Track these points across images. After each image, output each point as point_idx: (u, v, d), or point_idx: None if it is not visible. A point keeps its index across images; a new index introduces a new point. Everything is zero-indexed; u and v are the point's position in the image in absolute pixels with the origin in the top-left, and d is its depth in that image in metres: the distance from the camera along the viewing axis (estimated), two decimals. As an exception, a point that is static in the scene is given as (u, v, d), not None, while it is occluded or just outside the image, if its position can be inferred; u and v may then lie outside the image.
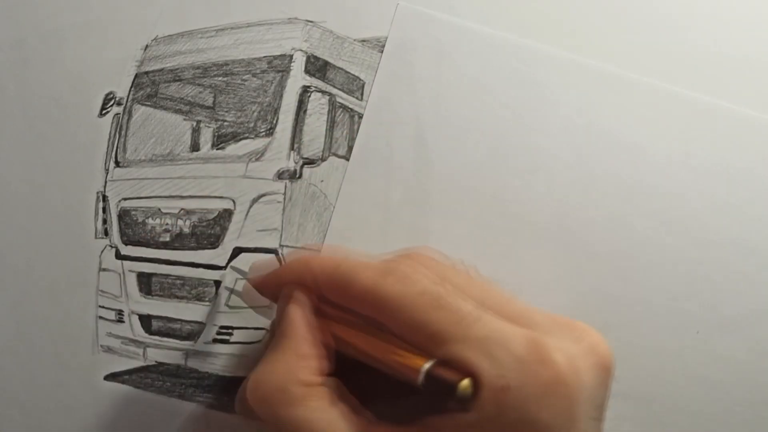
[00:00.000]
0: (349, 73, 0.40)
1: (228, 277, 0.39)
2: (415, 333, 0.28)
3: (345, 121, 0.40)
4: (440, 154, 0.38)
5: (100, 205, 0.42)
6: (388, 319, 0.28)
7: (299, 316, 0.31)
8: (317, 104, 0.39)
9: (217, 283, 0.39)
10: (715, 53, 0.37)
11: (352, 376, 0.30)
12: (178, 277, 0.40)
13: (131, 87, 0.43)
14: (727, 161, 0.36)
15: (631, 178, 0.37)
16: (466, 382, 0.26)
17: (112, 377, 0.41)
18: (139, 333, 0.41)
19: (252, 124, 0.39)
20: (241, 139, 0.40)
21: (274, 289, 0.33)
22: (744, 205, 0.36)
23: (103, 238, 0.42)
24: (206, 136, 0.41)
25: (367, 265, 0.30)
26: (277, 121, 0.39)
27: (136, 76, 0.43)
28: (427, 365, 0.27)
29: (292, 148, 0.38)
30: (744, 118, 0.37)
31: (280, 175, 0.38)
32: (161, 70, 0.42)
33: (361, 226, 0.38)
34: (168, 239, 0.40)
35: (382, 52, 0.40)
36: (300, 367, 0.29)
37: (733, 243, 0.36)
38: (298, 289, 0.32)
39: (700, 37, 0.38)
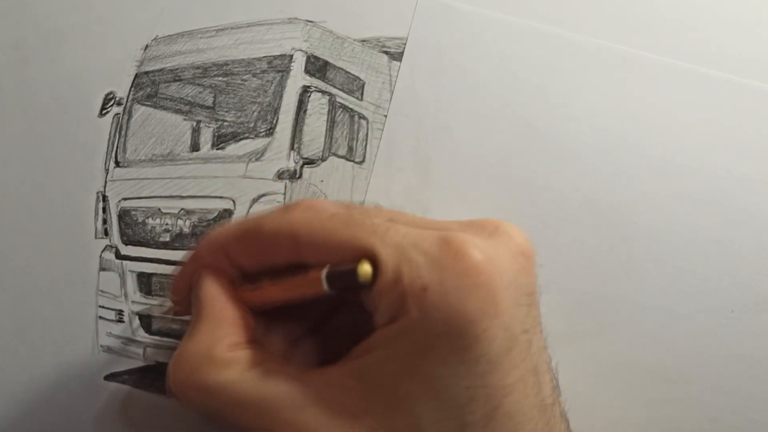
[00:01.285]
0: (349, 73, 0.40)
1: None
2: (329, 254, 0.27)
3: (345, 121, 0.40)
4: (468, 144, 0.38)
5: (100, 205, 0.42)
6: (305, 252, 0.28)
7: (212, 288, 0.30)
8: (317, 104, 0.39)
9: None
10: (743, 35, 0.38)
11: (272, 342, 0.31)
12: (178, 277, 0.40)
13: (131, 87, 0.43)
14: (755, 138, 0.36)
15: (661, 158, 0.37)
16: (365, 266, 0.26)
17: (112, 377, 0.41)
18: (139, 333, 0.41)
19: (252, 124, 0.39)
20: (241, 139, 0.40)
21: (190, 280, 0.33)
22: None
23: (103, 238, 0.42)
24: (206, 136, 0.41)
25: (269, 212, 0.30)
26: (277, 121, 0.39)
27: (136, 76, 0.43)
28: (325, 270, 0.27)
29: (292, 148, 0.38)
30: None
31: (280, 175, 0.38)
32: (161, 70, 0.42)
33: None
34: (168, 239, 0.40)
35: (382, 52, 0.40)
36: (222, 333, 0.29)
37: (764, 220, 0.36)
38: (206, 269, 0.31)
39: (727, 19, 0.38)
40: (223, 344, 0.29)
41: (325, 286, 0.27)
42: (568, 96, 0.38)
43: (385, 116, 0.39)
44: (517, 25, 0.38)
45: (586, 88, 0.38)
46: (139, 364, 0.41)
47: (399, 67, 0.40)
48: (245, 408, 0.27)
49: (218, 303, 0.30)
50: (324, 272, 0.27)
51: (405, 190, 0.37)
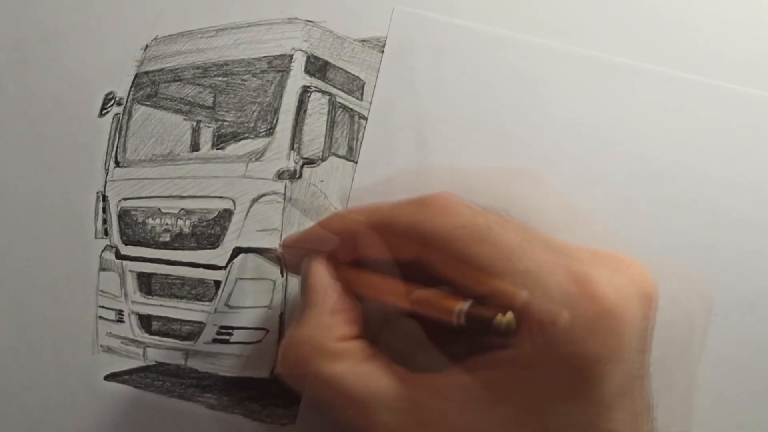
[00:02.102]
0: (349, 73, 0.40)
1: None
2: (458, 267, 0.27)
3: (345, 121, 0.40)
4: (442, 154, 0.38)
5: (100, 205, 0.42)
6: (431, 255, 0.28)
7: (325, 276, 0.30)
8: (317, 104, 0.39)
9: (217, 283, 0.39)
10: (719, 43, 0.38)
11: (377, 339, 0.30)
12: (178, 277, 0.40)
13: (131, 87, 0.43)
14: (734, 141, 0.36)
15: (638, 165, 0.37)
16: (509, 316, 0.25)
17: (112, 377, 0.41)
18: (139, 333, 0.41)
19: (252, 124, 0.39)
20: (241, 139, 0.40)
21: (306, 249, 0.32)
22: (757, 185, 0.36)
23: (103, 238, 0.42)
24: (206, 136, 0.41)
25: (398, 204, 0.29)
26: (277, 121, 0.39)
27: (136, 76, 0.43)
28: (465, 306, 0.26)
29: (292, 148, 0.38)
30: (742, 95, 0.37)
31: (280, 175, 0.38)
32: (161, 70, 0.42)
33: None
34: (168, 239, 0.40)
35: (382, 52, 0.40)
36: (334, 323, 0.29)
37: (746, 223, 0.36)
38: (320, 254, 0.31)
39: (700, 26, 0.38)
40: (334, 335, 0.28)
41: (460, 321, 0.27)
42: (545, 104, 0.38)
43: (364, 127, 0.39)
44: (494, 35, 0.38)
45: (563, 96, 0.38)
46: (139, 364, 0.41)
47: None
48: (351, 403, 0.27)
49: (330, 292, 0.30)
50: (463, 309, 0.27)
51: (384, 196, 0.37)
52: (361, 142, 0.40)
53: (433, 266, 0.28)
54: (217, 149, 0.40)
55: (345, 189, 0.38)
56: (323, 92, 0.39)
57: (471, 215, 0.27)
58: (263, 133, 0.39)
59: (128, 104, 0.42)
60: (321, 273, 0.30)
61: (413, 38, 0.38)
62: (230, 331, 0.38)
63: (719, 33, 0.38)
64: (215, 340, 0.39)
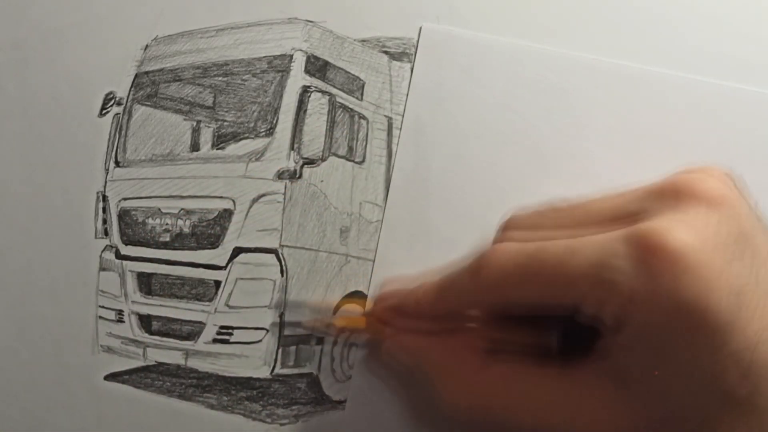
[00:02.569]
0: (349, 73, 0.40)
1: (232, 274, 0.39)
2: (532, 304, 0.28)
3: (345, 121, 0.40)
4: (479, 169, 0.38)
5: (100, 205, 0.42)
6: (506, 305, 0.30)
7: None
8: (317, 104, 0.39)
9: (217, 283, 0.39)
10: (753, 48, 0.37)
11: None
12: (178, 277, 0.40)
13: (131, 87, 0.43)
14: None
15: (672, 169, 0.36)
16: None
17: (112, 377, 0.41)
18: (139, 333, 0.41)
19: (252, 124, 0.39)
20: (241, 139, 0.40)
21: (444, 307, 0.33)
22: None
23: (103, 238, 0.42)
24: (206, 136, 0.41)
25: (458, 272, 0.31)
26: (277, 121, 0.39)
27: (136, 76, 0.43)
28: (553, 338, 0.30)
29: (292, 148, 0.38)
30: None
31: (280, 175, 0.38)
32: (161, 70, 0.42)
33: (407, 247, 0.38)
34: (168, 239, 0.40)
35: (383, 53, 0.40)
36: (469, 361, 0.31)
37: None
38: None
39: (726, 29, 0.38)
40: (477, 369, 0.31)
41: (555, 344, 0.30)
42: (577, 115, 0.37)
43: (395, 150, 0.39)
44: (522, 48, 0.38)
45: (594, 106, 0.37)
46: (139, 364, 0.41)
47: (399, 66, 0.40)
48: (512, 409, 0.29)
49: (444, 349, 0.32)
50: (554, 337, 0.30)
51: (419, 220, 0.37)
52: (360, 142, 0.40)
53: (511, 310, 0.30)
54: (217, 149, 0.40)
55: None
56: (323, 92, 0.39)
57: (516, 254, 0.28)
58: (263, 133, 0.39)
59: (128, 104, 0.42)
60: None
61: (442, 54, 0.38)
62: (230, 331, 0.38)
63: (750, 38, 0.38)
64: (215, 340, 0.39)
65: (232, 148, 0.40)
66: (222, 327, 0.39)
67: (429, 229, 0.37)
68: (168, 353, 0.40)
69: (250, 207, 0.39)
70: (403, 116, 0.38)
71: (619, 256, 0.25)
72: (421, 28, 0.39)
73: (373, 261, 0.38)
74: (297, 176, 0.38)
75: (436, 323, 0.33)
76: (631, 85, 0.37)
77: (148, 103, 0.42)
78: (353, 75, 0.40)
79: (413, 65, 0.39)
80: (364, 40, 0.40)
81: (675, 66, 0.38)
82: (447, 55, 0.38)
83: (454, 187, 0.38)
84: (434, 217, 0.37)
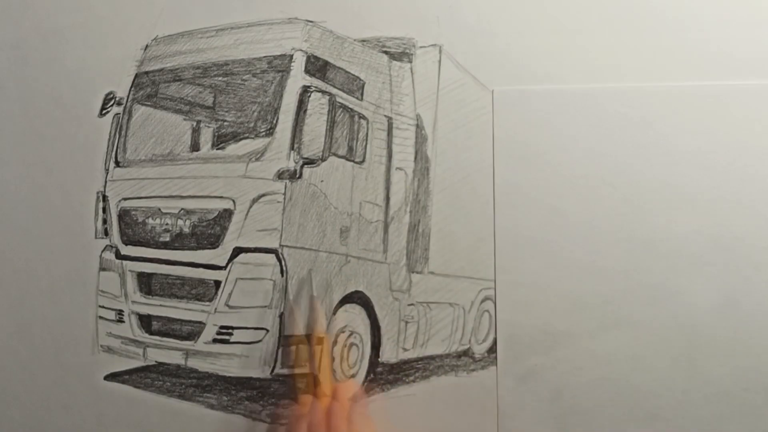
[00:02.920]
0: (349, 73, 0.40)
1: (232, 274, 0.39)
2: None
3: (345, 121, 0.40)
4: (579, 219, 0.38)
5: (100, 205, 0.42)
6: None
7: None
8: (317, 104, 0.39)
9: (217, 283, 0.39)
10: None
11: None
12: (178, 277, 0.40)
13: (131, 87, 0.43)
14: None
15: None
16: None
17: (112, 377, 0.41)
18: (139, 333, 0.41)
19: (252, 124, 0.39)
20: (241, 139, 0.40)
21: None
22: None
23: (103, 238, 0.42)
24: (206, 136, 0.41)
25: None
26: (277, 121, 0.39)
27: (136, 76, 0.43)
28: None
29: (292, 148, 0.38)
30: None
31: (280, 175, 0.38)
32: (161, 70, 0.42)
33: (523, 296, 0.38)
34: (168, 239, 0.40)
35: (382, 52, 0.40)
36: None
37: None
38: None
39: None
40: None
41: None
42: (663, 144, 0.37)
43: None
44: (593, 90, 0.38)
45: (679, 132, 0.37)
46: (139, 364, 0.41)
47: (399, 66, 0.40)
48: None
49: None
50: None
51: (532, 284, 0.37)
52: (360, 142, 0.40)
53: None
54: (217, 149, 0.40)
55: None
56: (323, 92, 0.39)
57: None
58: (263, 133, 0.39)
59: (128, 104, 0.42)
60: None
61: (518, 113, 0.39)
62: (230, 331, 0.38)
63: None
64: (215, 340, 0.39)
65: (232, 148, 0.40)
66: (222, 327, 0.39)
67: (546, 292, 0.38)
68: (168, 353, 0.40)
69: (250, 207, 0.39)
70: (493, 182, 0.39)
71: None
72: (493, 92, 0.39)
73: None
74: (297, 176, 0.38)
75: None
76: (710, 102, 0.37)
77: (148, 103, 0.42)
78: (353, 75, 0.40)
79: (493, 130, 0.39)
80: (364, 40, 0.40)
81: (749, 76, 0.37)
82: (523, 112, 0.39)
83: (558, 242, 0.38)
84: (546, 280, 0.37)
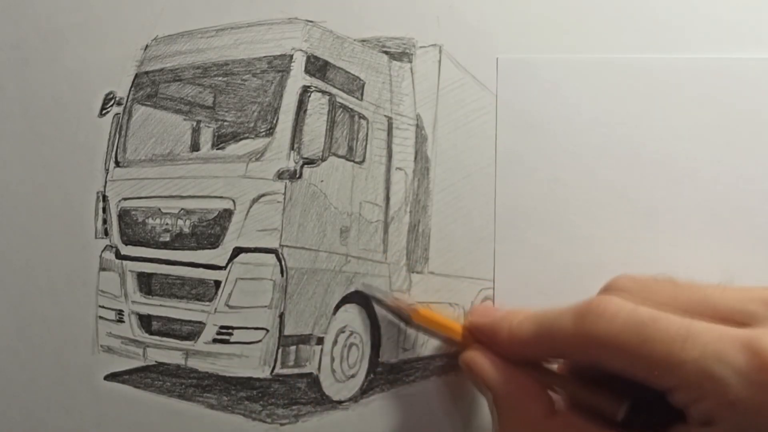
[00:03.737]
0: (349, 73, 0.40)
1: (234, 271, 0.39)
2: (628, 369, 0.28)
3: (345, 121, 0.40)
4: (580, 188, 0.37)
5: (100, 205, 0.42)
6: (600, 360, 0.29)
7: (501, 375, 0.32)
8: (317, 104, 0.39)
9: (217, 283, 0.39)
10: None
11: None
12: (178, 277, 0.40)
13: (131, 87, 0.43)
14: None
15: None
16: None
17: (112, 377, 0.41)
18: (139, 333, 0.41)
19: (252, 124, 0.39)
20: (241, 139, 0.40)
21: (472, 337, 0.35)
22: None
23: (103, 238, 0.42)
24: (206, 136, 0.41)
25: (562, 312, 0.30)
26: (277, 121, 0.39)
27: (136, 76, 0.43)
28: (624, 408, 0.29)
29: (292, 148, 0.38)
30: None
31: (280, 175, 0.38)
32: (161, 70, 0.42)
33: (521, 272, 0.38)
34: (168, 239, 0.40)
35: (382, 52, 0.40)
36: (537, 405, 0.31)
37: None
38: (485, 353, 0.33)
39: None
40: (543, 413, 0.31)
41: (621, 416, 0.29)
42: (668, 117, 0.37)
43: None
44: (599, 60, 0.37)
45: (684, 105, 0.37)
46: (139, 364, 0.41)
47: (399, 66, 0.40)
48: None
49: (518, 386, 0.32)
50: (623, 410, 0.29)
51: (530, 247, 0.37)
52: (360, 142, 0.40)
53: (602, 365, 0.29)
54: (217, 149, 0.40)
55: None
56: (323, 92, 0.39)
57: (627, 312, 0.28)
58: (263, 133, 0.39)
59: (128, 104, 0.42)
60: (494, 373, 0.33)
61: (523, 82, 0.38)
62: (230, 331, 0.38)
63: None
64: (215, 340, 0.39)
65: (232, 148, 0.40)
66: (222, 327, 0.39)
67: (539, 254, 0.37)
68: (168, 353, 0.40)
69: (250, 207, 0.39)
70: (495, 150, 0.38)
71: (734, 358, 0.25)
72: (497, 60, 0.39)
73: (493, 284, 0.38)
74: (297, 176, 0.38)
75: (520, 355, 0.33)
76: (716, 76, 0.37)
77: (148, 103, 0.42)
78: (353, 75, 0.40)
79: (496, 98, 0.38)
80: (364, 40, 0.40)
81: (755, 50, 0.37)
82: (528, 81, 0.38)
83: (558, 210, 0.37)
84: (543, 243, 0.37)
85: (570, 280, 0.37)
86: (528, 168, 0.38)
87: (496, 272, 0.38)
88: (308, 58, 0.39)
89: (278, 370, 0.38)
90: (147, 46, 0.43)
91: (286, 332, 0.38)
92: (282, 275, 0.38)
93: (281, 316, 0.38)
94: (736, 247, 0.36)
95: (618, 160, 0.37)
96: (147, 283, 0.41)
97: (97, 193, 0.42)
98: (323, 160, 0.39)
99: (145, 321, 0.41)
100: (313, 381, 0.38)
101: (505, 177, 0.38)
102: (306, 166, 0.38)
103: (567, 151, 0.38)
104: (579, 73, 0.38)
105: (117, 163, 0.42)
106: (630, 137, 0.37)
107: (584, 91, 0.38)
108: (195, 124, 0.41)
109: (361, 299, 0.39)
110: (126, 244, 0.41)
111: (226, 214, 0.39)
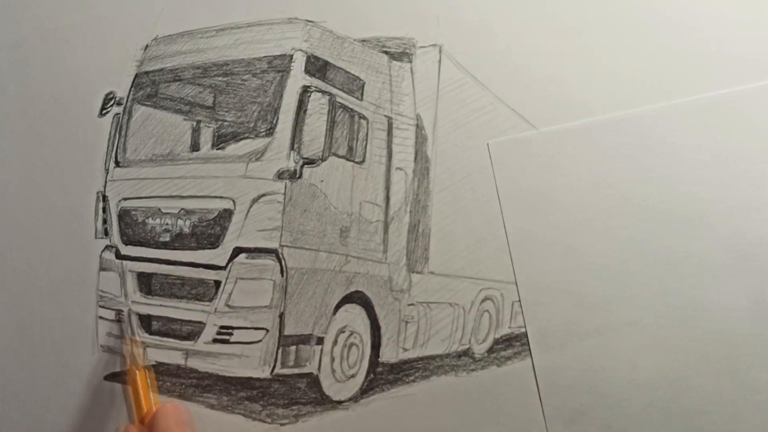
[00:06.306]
0: (349, 73, 0.40)
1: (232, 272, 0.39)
2: None
3: (345, 121, 0.40)
4: (594, 253, 0.37)
5: (100, 205, 0.42)
6: None
7: None
8: (317, 104, 0.39)
9: (217, 283, 0.39)
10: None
11: None
12: (178, 277, 0.40)
13: (131, 87, 0.43)
14: None
15: None
16: None
17: (112, 377, 0.41)
18: (139, 333, 0.41)
19: (252, 124, 0.39)
20: (241, 139, 0.40)
21: None
22: None
23: (103, 238, 0.42)
24: (206, 136, 0.41)
25: None
26: (277, 121, 0.39)
27: (136, 76, 0.43)
28: None
29: (292, 148, 0.38)
30: None
31: (280, 175, 0.38)
32: (161, 70, 0.42)
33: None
34: (168, 239, 0.40)
35: (382, 52, 0.40)
36: None
37: None
38: None
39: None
40: None
41: None
42: (667, 164, 0.37)
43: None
44: (587, 125, 0.38)
45: (681, 150, 0.37)
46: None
47: (399, 66, 0.40)
48: None
49: None
50: None
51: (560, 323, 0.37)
52: (360, 142, 0.40)
53: None
54: (217, 149, 0.40)
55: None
56: (323, 92, 0.39)
57: None
58: (263, 133, 0.39)
59: (128, 104, 0.42)
60: None
61: (517, 162, 0.38)
62: (230, 331, 0.38)
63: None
64: (215, 340, 0.39)
65: (232, 148, 0.40)
66: (222, 327, 0.39)
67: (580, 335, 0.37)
68: (168, 353, 0.40)
69: (250, 207, 0.39)
70: (506, 232, 0.38)
71: None
72: (488, 145, 0.39)
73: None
74: (297, 176, 0.38)
75: None
76: (703, 115, 0.37)
77: (148, 103, 0.42)
78: (353, 75, 0.40)
79: (495, 181, 0.39)
80: (364, 40, 0.40)
81: (734, 83, 0.37)
82: (522, 160, 0.38)
83: (578, 279, 0.37)
84: (578, 322, 0.37)
85: (598, 316, 0.37)
86: (542, 241, 0.38)
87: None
88: (308, 58, 0.39)
89: (278, 370, 0.38)
90: (147, 46, 0.43)
91: (286, 332, 0.38)
92: (282, 275, 0.38)
93: (281, 316, 0.38)
94: (761, 276, 0.36)
95: (628, 218, 0.37)
96: (147, 283, 0.41)
97: (97, 193, 0.42)
98: (323, 160, 0.39)
99: (145, 321, 0.41)
100: (313, 381, 0.38)
101: (522, 256, 0.38)
102: (306, 166, 0.38)
103: (576, 218, 0.38)
104: (571, 141, 0.38)
105: (117, 163, 0.42)
106: (635, 193, 0.37)
107: (580, 159, 0.38)
108: (195, 124, 0.41)
109: (362, 299, 0.39)
110: (126, 244, 0.41)
111: (226, 214, 0.39)
